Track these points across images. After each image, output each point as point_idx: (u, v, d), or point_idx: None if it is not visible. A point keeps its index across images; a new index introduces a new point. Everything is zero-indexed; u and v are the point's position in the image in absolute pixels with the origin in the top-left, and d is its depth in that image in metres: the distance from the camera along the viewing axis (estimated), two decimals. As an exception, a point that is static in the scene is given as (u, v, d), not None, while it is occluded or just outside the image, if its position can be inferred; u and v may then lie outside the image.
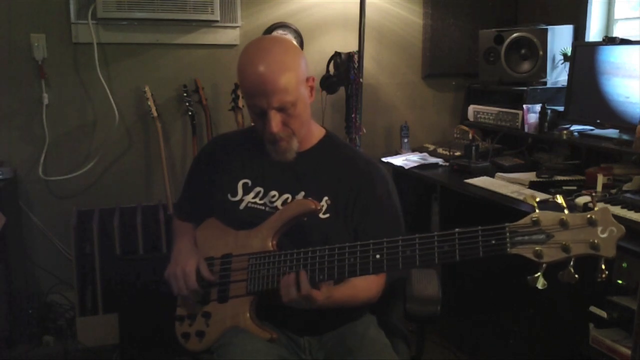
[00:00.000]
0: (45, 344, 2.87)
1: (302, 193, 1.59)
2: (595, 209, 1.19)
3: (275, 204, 1.59)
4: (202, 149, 1.84)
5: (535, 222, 1.20)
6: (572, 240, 1.17)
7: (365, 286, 1.55)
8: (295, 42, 1.82)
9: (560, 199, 1.22)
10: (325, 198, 1.57)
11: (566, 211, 1.19)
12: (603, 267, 1.17)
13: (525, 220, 1.21)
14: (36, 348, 2.84)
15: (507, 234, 1.22)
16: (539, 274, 1.19)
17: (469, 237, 1.26)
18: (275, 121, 1.50)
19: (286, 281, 1.42)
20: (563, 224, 1.18)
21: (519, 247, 1.21)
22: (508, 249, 1.21)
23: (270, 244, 1.52)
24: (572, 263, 1.18)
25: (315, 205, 1.50)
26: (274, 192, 1.61)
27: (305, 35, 3.26)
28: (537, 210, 1.21)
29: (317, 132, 1.68)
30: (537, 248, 1.19)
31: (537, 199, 1.25)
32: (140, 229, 2.87)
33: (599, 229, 1.17)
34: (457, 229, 1.28)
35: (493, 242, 1.23)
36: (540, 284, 1.19)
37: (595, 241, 1.16)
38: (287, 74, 1.48)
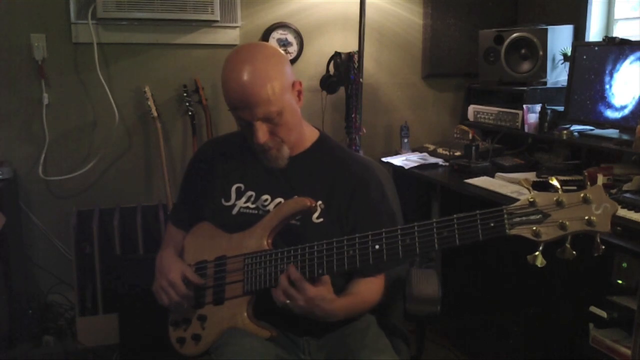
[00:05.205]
0: (45, 344, 2.86)
1: (295, 197, 1.57)
2: (589, 187, 1.22)
3: (267, 208, 1.58)
4: (196, 153, 1.81)
5: (532, 203, 1.24)
6: (568, 218, 1.21)
7: (369, 290, 1.55)
8: (278, 48, 1.79)
9: (554, 181, 1.26)
10: (319, 202, 1.55)
11: (561, 191, 1.23)
12: (599, 241, 1.20)
13: (522, 201, 1.25)
14: (36, 348, 2.84)
15: (505, 216, 1.24)
16: (537, 252, 1.22)
17: (468, 221, 1.28)
18: (262, 132, 1.48)
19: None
20: (559, 204, 1.22)
21: (517, 228, 1.24)
22: (507, 231, 1.24)
23: (265, 242, 1.51)
24: (569, 240, 1.21)
25: (311, 203, 1.48)
26: (266, 196, 1.59)
27: (305, 36, 3.26)
28: (532, 192, 1.25)
29: (309, 135, 1.66)
30: (535, 228, 1.22)
31: (532, 181, 1.30)
32: (140, 229, 2.87)
33: (593, 206, 1.20)
34: (455, 215, 1.30)
35: (492, 224, 1.25)
36: (539, 262, 1.22)
37: (591, 218, 1.19)
38: (270, 84, 1.44)
